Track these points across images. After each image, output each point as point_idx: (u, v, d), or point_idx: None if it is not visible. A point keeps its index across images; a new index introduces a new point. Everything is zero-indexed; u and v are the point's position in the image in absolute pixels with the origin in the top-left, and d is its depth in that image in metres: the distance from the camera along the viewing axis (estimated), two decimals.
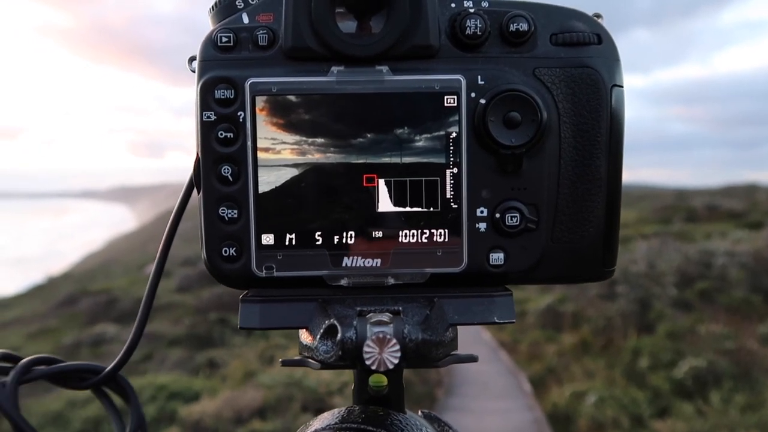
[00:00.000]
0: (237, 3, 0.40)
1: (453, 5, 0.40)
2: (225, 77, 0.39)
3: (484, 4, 0.41)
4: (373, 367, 0.35)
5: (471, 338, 10.78)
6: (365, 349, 0.35)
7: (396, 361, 0.35)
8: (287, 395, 7.06)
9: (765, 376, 7.05)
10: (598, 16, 0.44)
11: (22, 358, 0.47)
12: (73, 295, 17.97)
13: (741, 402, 6.44)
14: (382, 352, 0.35)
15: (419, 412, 0.51)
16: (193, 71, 0.41)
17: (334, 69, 0.39)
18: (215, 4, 0.41)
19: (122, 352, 0.47)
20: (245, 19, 0.40)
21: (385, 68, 0.39)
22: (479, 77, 0.39)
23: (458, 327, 0.42)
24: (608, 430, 6.53)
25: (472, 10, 0.40)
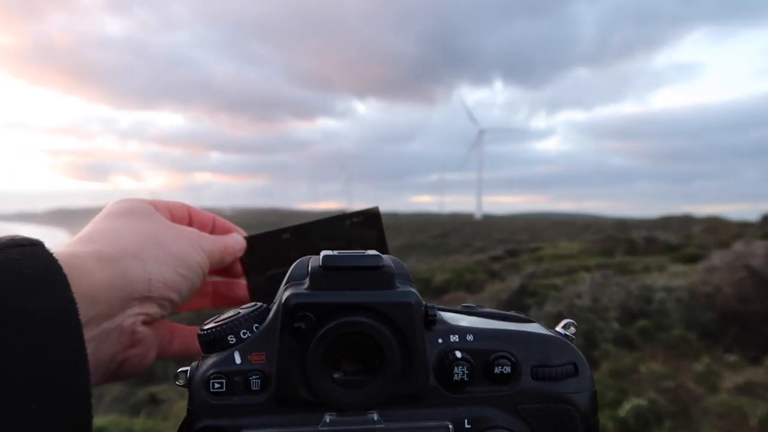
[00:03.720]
0: (229, 338, 0.41)
1: (440, 341, 0.42)
2: (218, 427, 0.39)
3: (469, 338, 0.42)
4: None
5: None
6: None
7: None
8: None
9: (703, 414, 7.33)
10: (570, 326, 0.46)
11: None
12: None
13: None
14: None
15: None
16: (180, 386, 0.41)
17: (327, 417, 0.39)
18: (207, 332, 0.41)
19: None
20: (237, 359, 0.40)
21: (375, 415, 0.40)
22: (465, 421, 0.41)
23: None
24: None
25: (459, 355, 0.41)
